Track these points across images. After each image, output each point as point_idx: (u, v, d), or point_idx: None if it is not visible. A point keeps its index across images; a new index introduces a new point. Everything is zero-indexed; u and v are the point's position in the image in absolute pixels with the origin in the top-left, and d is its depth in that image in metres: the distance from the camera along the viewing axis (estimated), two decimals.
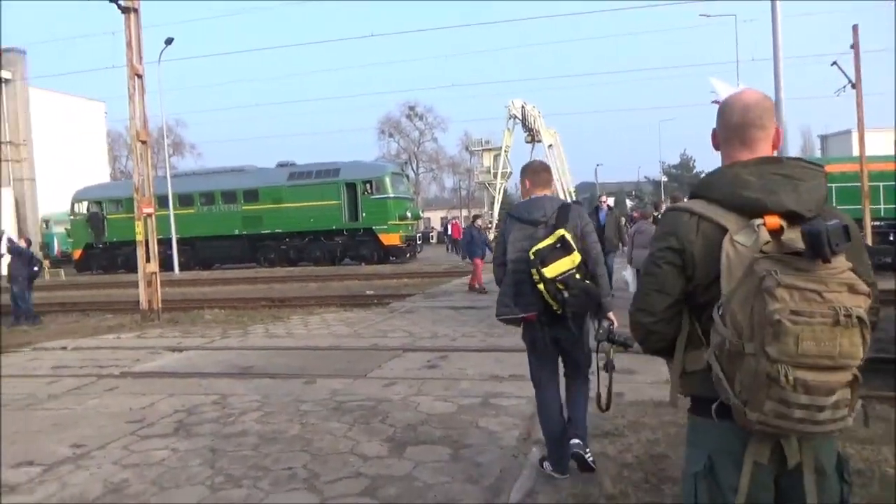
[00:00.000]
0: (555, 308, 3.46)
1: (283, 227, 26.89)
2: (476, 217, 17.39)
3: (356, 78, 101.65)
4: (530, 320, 3.61)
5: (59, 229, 33.32)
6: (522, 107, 44.20)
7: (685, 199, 1.96)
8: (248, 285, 19.73)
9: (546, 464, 3.82)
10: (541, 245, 3.47)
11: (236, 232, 27.50)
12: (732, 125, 1.75)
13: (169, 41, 26.64)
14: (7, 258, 13.52)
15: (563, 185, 44.83)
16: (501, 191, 48.30)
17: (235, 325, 10.98)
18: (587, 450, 3.73)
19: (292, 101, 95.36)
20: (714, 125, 1.83)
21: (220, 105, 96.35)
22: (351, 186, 26.21)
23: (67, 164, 36.92)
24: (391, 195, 26.15)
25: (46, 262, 26.11)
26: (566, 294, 3.40)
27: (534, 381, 3.84)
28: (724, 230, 1.60)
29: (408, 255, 27.44)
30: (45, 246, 33.68)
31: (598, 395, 3.17)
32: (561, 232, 3.49)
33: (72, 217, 30.17)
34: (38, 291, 16.96)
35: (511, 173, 49.81)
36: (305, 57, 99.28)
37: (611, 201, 12.50)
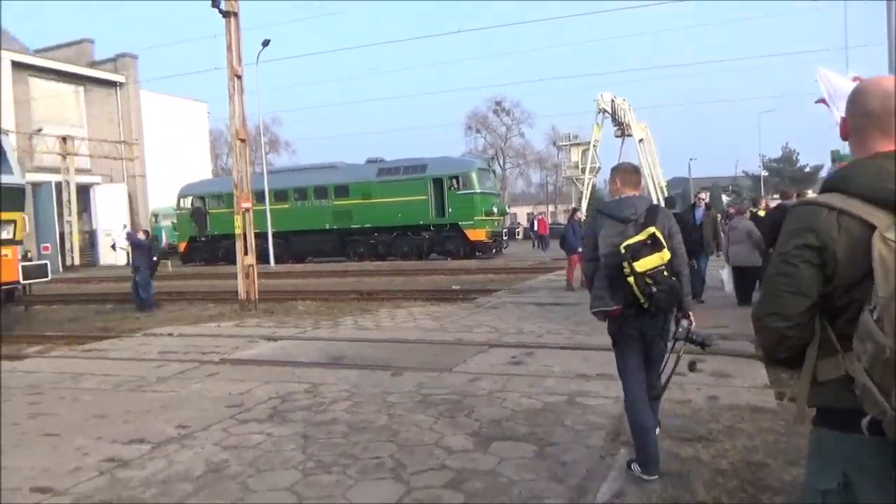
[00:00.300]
0: (642, 302, 3.56)
1: (372, 222, 27.48)
2: (575, 211, 16.87)
3: (444, 74, 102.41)
4: (615, 314, 3.75)
5: (166, 223, 35.47)
6: (612, 100, 43.16)
7: (810, 193, 1.82)
8: (339, 278, 20.31)
9: (634, 465, 3.75)
10: (631, 240, 3.58)
11: (327, 226, 28.34)
12: (870, 113, 1.60)
13: (266, 43, 27.77)
14: (115, 250, 14.52)
15: (655, 181, 43.50)
16: (589, 186, 47.33)
17: (326, 316, 11.35)
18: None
19: (382, 98, 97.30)
20: (842, 114, 1.68)
21: (313, 103, 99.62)
22: (438, 182, 26.45)
23: (174, 161, 39.30)
24: (477, 191, 26.20)
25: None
26: (654, 289, 3.52)
27: (620, 375, 3.92)
28: (872, 227, 1.46)
29: (493, 251, 27.41)
30: (154, 238, 36.01)
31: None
32: (651, 229, 3.60)
33: (178, 211, 32.04)
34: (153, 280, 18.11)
35: (600, 168, 48.78)
36: (394, 54, 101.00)
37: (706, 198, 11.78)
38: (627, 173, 4.04)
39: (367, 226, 27.65)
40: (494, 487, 3.63)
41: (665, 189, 43.62)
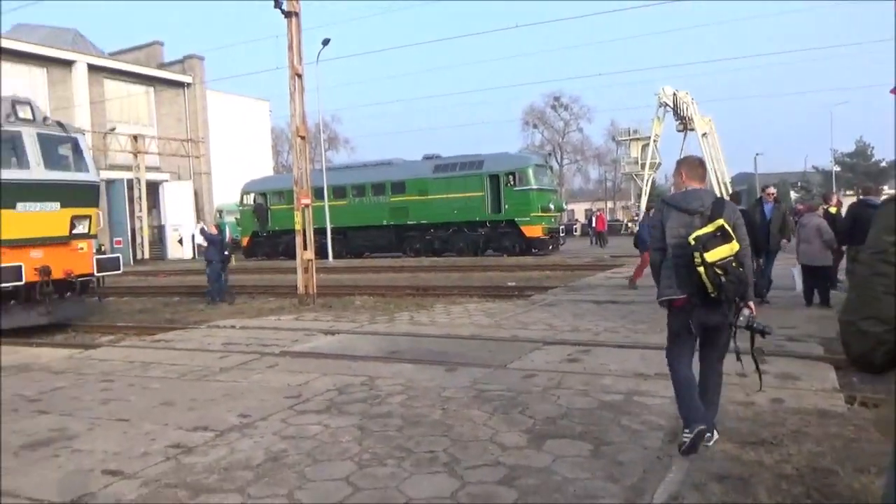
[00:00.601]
0: (710, 291, 3.72)
1: (428, 218, 27.63)
2: (651, 207, 16.43)
3: (501, 70, 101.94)
4: (680, 303, 3.93)
5: (230, 218, 36.61)
6: (674, 94, 42.14)
7: (887, 190, 1.73)
8: (395, 274, 20.52)
9: (685, 434, 3.92)
10: (701, 232, 3.75)
11: (384, 222, 28.65)
12: None
13: (326, 42, 28.25)
14: (182, 244, 15.13)
15: (718, 176, 42.26)
16: (649, 182, 46.35)
17: (382, 311, 11.49)
18: (710, 436, 3.95)
19: (438, 94, 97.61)
20: None
21: (371, 101, 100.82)
22: (494, 178, 26.36)
23: (237, 158, 40.52)
24: (534, 187, 25.99)
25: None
26: (723, 279, 3.67)
27: (670, 362, 4.14)
28: None
29: (550, 248, 27.15)
30: (221, 233, 37.25)
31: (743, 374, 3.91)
32: (720, 221, 3.76)
33: (240, 207, 32.95)
34: None
35: (660, 164, 47.69)
36: (451, 51, 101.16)
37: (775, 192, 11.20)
38: (693, 166, 4.15)
39: (423, 222, 27.81)
40: (548, 485, 3.60)
41: (729, 185, 42.27)
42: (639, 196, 46.78)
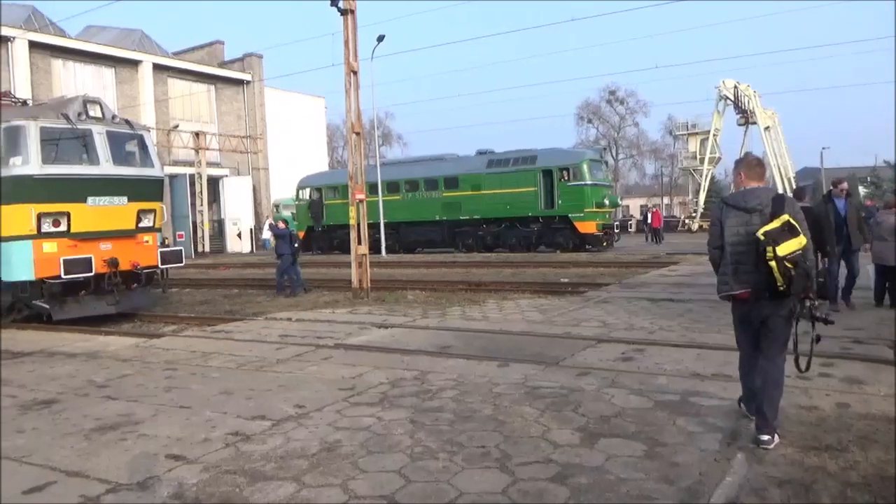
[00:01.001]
0: (779, 284, 3.86)
1: (481, 213, 27.60)
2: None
3: (555, 64, 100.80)
4: (742, 297, 4.12)
5: (286, 213, 37.45)
6: (735, 87, 40.84)
7: None
8: (447, 269, 20.59)
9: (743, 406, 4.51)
10: (769, 227, 3.88)
11: (437, 218, 28.77)
12: None
13: (380, 38, 28.47)
14: (240, 238, 15.58)
15: (782, 171, 40.83)
16: (708, 178, 45.07)
17: (435, 306, 11.55)
18: (770, 438, 3.99)
19: (492, 89, 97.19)
20: None
21: (424, 97, 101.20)
22: (547, 173, 26.12)
23: (294, 154, 41.36)
24: (588, 182, 25.64)
25: (275, 243, 29.46)
26: (793, 272, 3.81)
27: (740, 347, 4.45)
28: None
29: (604, 244, 26.77)
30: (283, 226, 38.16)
31: (797, 358, 4.06)
32: (786, 217, 3.88)
33: (296, 202, 33.62)
34: (270, 268, 19.20)
35: (720, 159, 46.40)
36: (505, 46, 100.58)
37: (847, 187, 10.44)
38: (751, 166, 4.26)
39: (475, 217, 27.80)
40: (601, 484, 3.57)
41: (793, 180, 40.75)
42: (696, 192, 45.59)
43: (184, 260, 12.91)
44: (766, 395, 4.09)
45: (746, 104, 40.84)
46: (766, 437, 3.97)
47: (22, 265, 10.37)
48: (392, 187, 29.56)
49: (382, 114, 61.89)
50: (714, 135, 43.74)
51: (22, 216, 10.27)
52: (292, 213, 35.20)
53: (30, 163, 10.29)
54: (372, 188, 24.69)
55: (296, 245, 15.44)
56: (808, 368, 4.07)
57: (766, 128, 40.74)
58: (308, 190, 32.71)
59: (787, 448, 3.97)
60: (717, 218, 4.26)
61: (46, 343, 9.07)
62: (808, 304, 3.94)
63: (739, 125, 42.58)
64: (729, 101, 41.91)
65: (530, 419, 4.72)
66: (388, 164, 33.57)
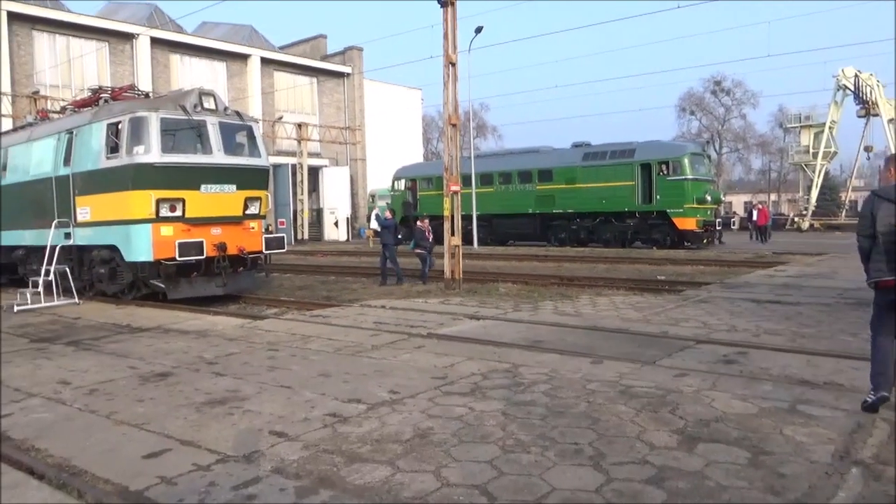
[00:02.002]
0: None
1: (575, 207, 27.12)
2: None
3: (657, 54, 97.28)
4: (887, 284, 4.46)
5: (382, 203, 38.29)
6: (856, 76, 37.92)
7: None
8: (539, 263, 20.41)
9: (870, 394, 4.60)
10: None
11: (530, 211, 28.54)
12: None
13: (479, 30, 28.44)
14: (337, 227, 16.11)
15: None
16: (822, 174, 42.20)
17: (526, 299, 11.49)
18: None
19: (589, 80, 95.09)
20: None
21: (520, 88, 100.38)
22: (646, 167, 25.31)
23: (390, 145, 42.20)
24: (689, 177, 24.63)
25: (370, 233, 30.21)
26: None
27: (872, 332, 4.72)
28: None
29: (705, 241, 25.67)
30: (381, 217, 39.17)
31: None
32: None
33: (392, 193, 34.29)
34: (367, 257, 19.68)
35: (836, 153, 43.36)
36: (604, 36, 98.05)
37: None
38: None
39: (569, 211, 27.37)
40: (700, 490, 3.44)
41: None
42: (808, 188, 42.81)
43: (285, 246, 13.48)
44: None
45: (868, 94, 37.86)
46: None
47: (142, 247, 11.18)
48: (485, 179, 29.57)
49: (478, 105, 61.91)
50: (830, 127, 40.85)
51: (143, 201, 11.06)
52: (387, 203, 35.98)
53: (151, 152, 11.04)
54: (465, 180, 24.78)
55: (399, 236, 15.77)
56: None
57: (890, 120, 37.63)
58: (403, 181, 33.23)
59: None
60: (868, 209, 4.61)
61: (162, 320, 9.74)
62: None
63: (860, 117, 39.53)
64: (849, 92, 39.00)
65: (625, 418, 4.62)
66: (482, 156, 33.56)
